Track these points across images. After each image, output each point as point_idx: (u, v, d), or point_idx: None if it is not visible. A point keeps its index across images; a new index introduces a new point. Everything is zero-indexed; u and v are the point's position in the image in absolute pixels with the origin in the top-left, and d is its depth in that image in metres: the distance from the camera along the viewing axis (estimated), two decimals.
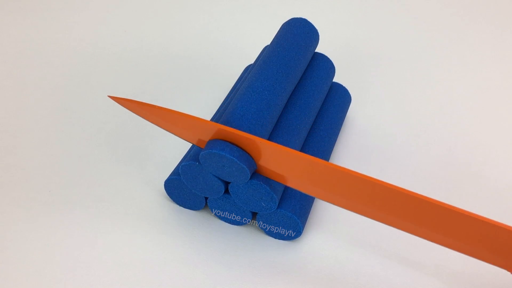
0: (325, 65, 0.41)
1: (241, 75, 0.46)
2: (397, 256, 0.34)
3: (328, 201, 0.31)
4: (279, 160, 0.31)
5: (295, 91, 0.38)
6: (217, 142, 0.31)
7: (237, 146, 0.31)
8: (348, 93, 0.44)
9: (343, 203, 0.30)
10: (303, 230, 0.34)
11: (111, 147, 0.41)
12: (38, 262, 0.32)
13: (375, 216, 0.30)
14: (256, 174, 0.32)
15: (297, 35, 0.38)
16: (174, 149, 0.40)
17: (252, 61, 0.48)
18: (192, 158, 0.33)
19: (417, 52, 0.55)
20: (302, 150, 0.37)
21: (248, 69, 0.45)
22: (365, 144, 0.43)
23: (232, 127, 0.32)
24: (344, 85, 0.45)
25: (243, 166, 0.31)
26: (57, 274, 0.32)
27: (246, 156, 0.31)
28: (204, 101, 0.46)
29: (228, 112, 0.33)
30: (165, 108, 0.33)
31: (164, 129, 0.34)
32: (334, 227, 0.36)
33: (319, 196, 0.31)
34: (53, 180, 0.38)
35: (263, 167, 0.32)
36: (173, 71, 0.50)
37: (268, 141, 0.31)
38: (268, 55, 0.37)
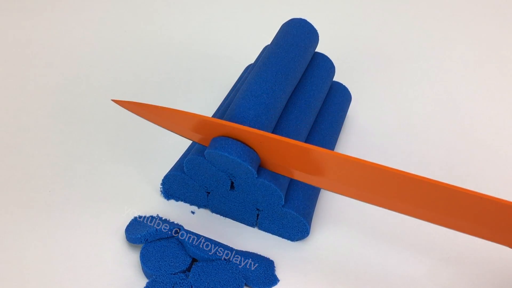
0: (325, 65, 0.41)
1: (241, 75, 0.46)
2: (399, 254, 0.34)
3: (335, 191, 0.31)
4: (284, 152, 0.30)
5: (295, 91, 0.38)
6: (221, 141, 0.31)
7: (241, 142, 0.31)
8: (348, 91, 0.44)
9: (350, 192, 0.30)
10: (309, 230, 0.34)
11: (111, 147, 0.41)
12: (38, 262, 0.32)
13: (382, 203, 0.30)
14: (263, 171, 0.32)
15: (297, 36, 0.38)
16: (174, 149, 0.40)
17: (252, 61, 0.48)
18: (196, 153, 0.33)
19: (417, 52, 0.55)
20: None
21: (248, 69, 0.45)
22: (365, 144, 0.43)
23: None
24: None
25: (248, 167, 0.31)
26: (57, 274, 0.32)
27: (250, 154, 0.31)
28: (204, 101, 0.46)
29: (226, 115, 0.33)
30: (168, 108, 0.33)
31: (167, 129, 0.34)
32: (336, 226, 0.36)
33: (325, 186, 0.31)
34: (53, 180, 0.38)
35: (268, 161, 0.32)
36: (173, 71, 0.50)
37: (271, 134, 0.30)
38: (268, 56, 0.37)
